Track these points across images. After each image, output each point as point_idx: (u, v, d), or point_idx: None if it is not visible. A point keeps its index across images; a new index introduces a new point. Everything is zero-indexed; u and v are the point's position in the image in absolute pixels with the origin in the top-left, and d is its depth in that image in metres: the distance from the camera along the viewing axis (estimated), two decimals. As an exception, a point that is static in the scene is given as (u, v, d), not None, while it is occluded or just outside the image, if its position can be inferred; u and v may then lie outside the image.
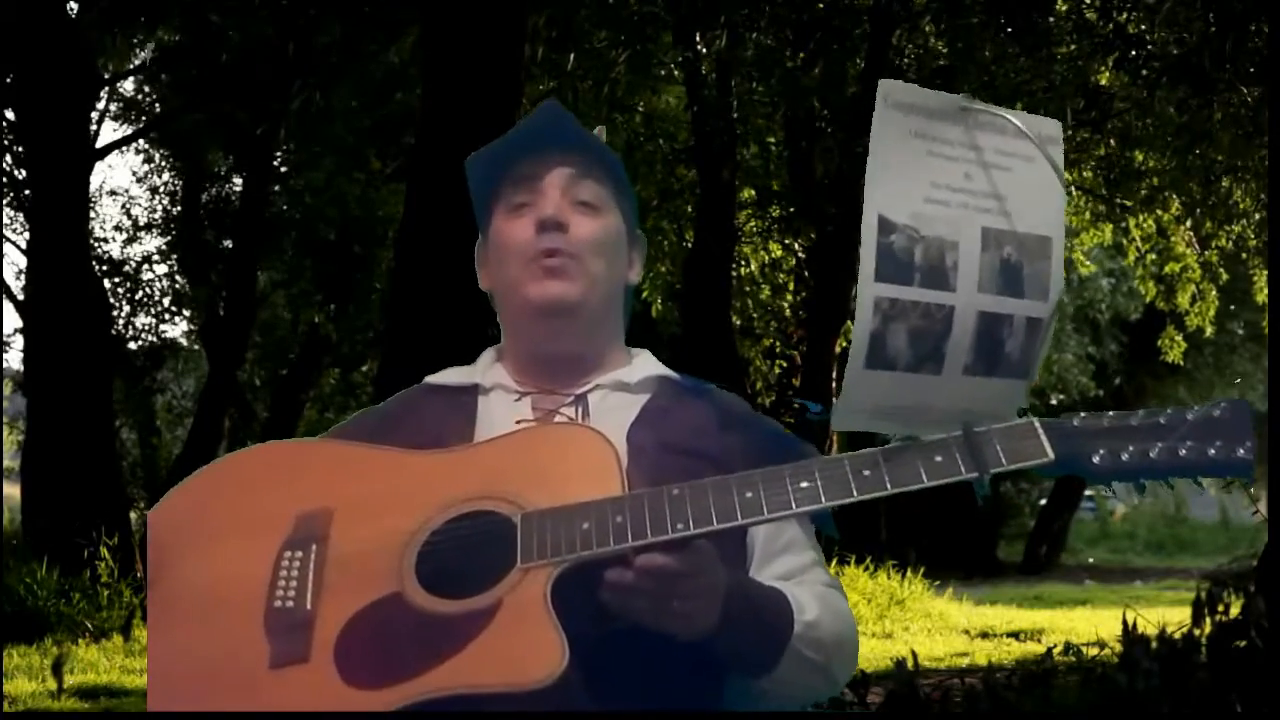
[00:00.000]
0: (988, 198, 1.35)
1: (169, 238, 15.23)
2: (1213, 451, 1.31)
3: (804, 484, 1.35)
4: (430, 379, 1.67)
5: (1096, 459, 1.33)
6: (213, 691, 1.38)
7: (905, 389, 1.34)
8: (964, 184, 1.34)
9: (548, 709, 1.32)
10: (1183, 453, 1.32)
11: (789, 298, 12.74)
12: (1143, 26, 8.55)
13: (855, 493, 1.34)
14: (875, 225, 1.31)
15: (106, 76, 12.29)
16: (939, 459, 1.33)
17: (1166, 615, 5.76)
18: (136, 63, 13.09)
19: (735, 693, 1.49)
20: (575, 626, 1.31)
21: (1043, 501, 19.66)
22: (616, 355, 1.64)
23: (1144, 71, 8.45)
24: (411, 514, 1.42)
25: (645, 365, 1.64)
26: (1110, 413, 1.37)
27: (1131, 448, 1.33)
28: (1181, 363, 12.58)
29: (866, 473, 1.34)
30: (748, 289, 12.59)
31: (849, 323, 11.50)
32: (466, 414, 1.59)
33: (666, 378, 1.63)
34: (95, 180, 17.03)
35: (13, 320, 13.35)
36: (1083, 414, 1.37)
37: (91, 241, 12.97)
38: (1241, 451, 1.31)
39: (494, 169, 1.63)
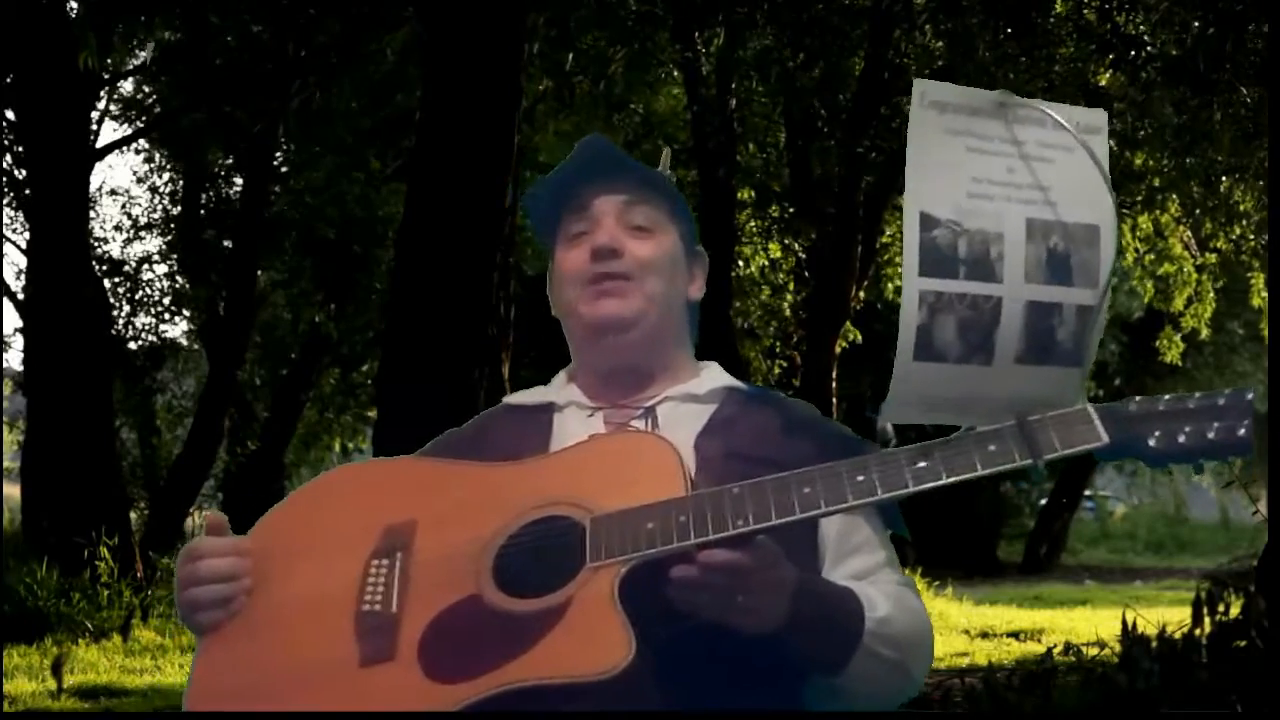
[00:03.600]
0: (1031, 189, 1.37)
1: (169, 238, 15.22)
2: (1243, 431, 1.33)
3: (860, 478, 1.39)
4: (508, 399, 1.78)
5: (1153, 441, 1.34)
6: (305, 688, 1.47)
7: (956, 380, 1.37)
8: (1006, 177, 1.36)
9: (618, 702, 1.37)
10: (1242, 432, 1.33)
11: (789, 298, 12.74)
12: (1141, 27, 8.54)
13: (910, 484, 1.37)
14: (917, 222, 1.34)
15: (106, 76, 12.27)
16: (993, 448, 1.36)
17: (1166, 615, 5.76)
18: (136, 63, 13.07)
19: (814, 692, 1.52)
20: (647, 624, 1.37)
21: (1043, 501, 19.64)
22: (684, 368, 1.71)
23: (1143, 72, 8.44)
24: (488, 521, 1.52)
25: (714, 377, 1.71)
26: (1166, 396, 1.38)
27: (1189, 428, 1.34)
28: (1180, 363, 12.58)
29: (922, 464, 1.38)
30: (748, 289, 12.58)
31: (849, 323, 11.51)
32: (542, 430, 1.67)
33: (734, 388, 1.69)
34: (95, 180, 17.06)
35: (13, 320, 13.34)
36: (1138, 398, 1.38)
37: (91, 241, 12.95)
38: (1242, 432, 1.33)
39: (554, 202, 1.71)
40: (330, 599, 1.52)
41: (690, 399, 1.66)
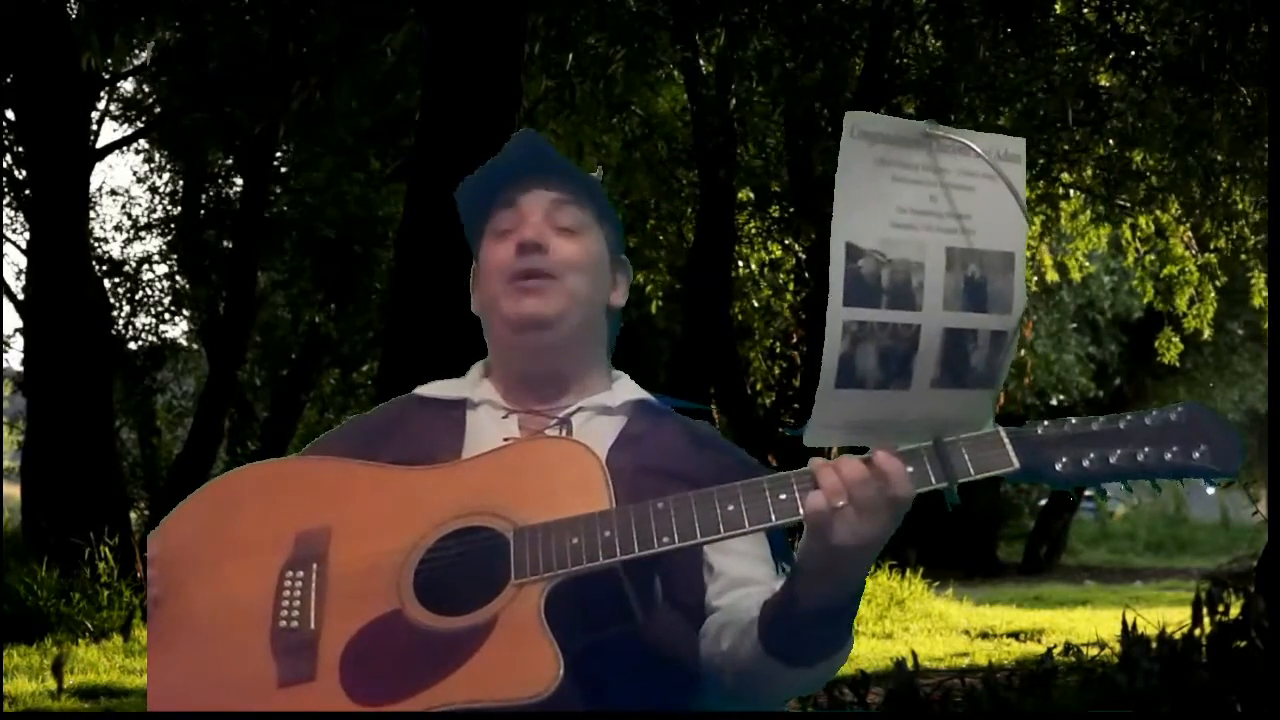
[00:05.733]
0: (951, 218, 1.38)
1: (169, 238, 15.23)
2: (1169, 456, 1.36)
3: (783, 496, 1.39)
4: (419, 391, 1.72)
5: (1059, 466, 1.38)
6: (226, 709, 1.43)
7: (875, 405, 1.38)
8: (929, 206, 1.37)
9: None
10: (1140, 458, 1.36)
11: (789, 298, 12.73)
12: (1142, 27, 8.55)
13: None
14: (843, 253, 1.34)
15: (106, 76, 12.27)
16: (910, 469, 1.37)
17: (1166, 615, 5.77)
18: (136, 63, 13.08)
19: (710, 699, 1.53)
20: (567, 638, 1.36)
21: (1043, 502, 19.64)
22: (599, 378, 1.70)
23: (1143, 72, 8.45)
24: (407, 531, 1.47)
25: (625, 388, 1.70)
26: (1073, 419, 1.41)
27: (1092, 454, 1.37)
28: (1180, 364, 12.56)
29: None
30: (748, 289, 12.58)
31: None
32: (456, 428, 1.64)
33: (644, 401, 1.69)
34: (95, 180, 17.06)
35: (13, 320, 13.34)
36: (1046, 422, 1.41)
37: (91, 241, 12.95)
38: (1196, 455, 1.35)
39: (482, 198, 1.70)
40: (244, 612, 1.46)
41: (603, 411, 1.66)
